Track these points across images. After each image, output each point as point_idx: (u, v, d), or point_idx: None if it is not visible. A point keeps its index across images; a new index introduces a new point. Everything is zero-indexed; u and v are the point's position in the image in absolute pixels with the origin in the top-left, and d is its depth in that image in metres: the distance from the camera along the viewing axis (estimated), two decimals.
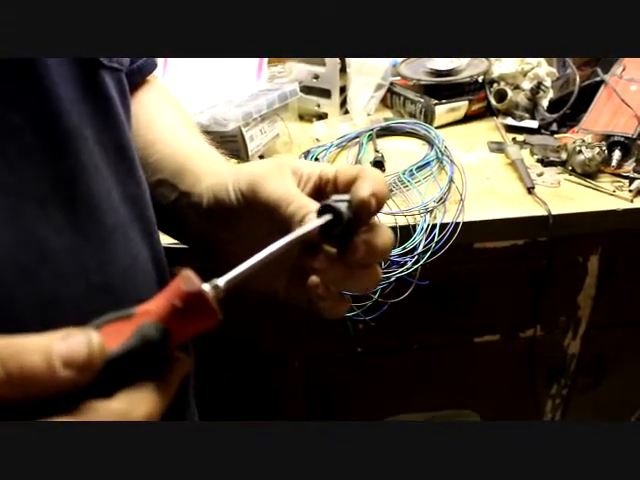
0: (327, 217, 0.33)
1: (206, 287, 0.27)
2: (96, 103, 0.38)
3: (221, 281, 0.28)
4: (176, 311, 0.27)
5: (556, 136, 0.98)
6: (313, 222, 0.33)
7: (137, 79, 0.53)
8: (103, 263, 0.37)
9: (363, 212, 0.33)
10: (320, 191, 0.39)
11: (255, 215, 0.39)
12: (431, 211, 0.74)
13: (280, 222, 0.36)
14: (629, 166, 0.86)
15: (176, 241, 0.50)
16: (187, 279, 0.27)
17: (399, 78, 1.09)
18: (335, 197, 0.35)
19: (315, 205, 0.35)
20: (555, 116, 0.99)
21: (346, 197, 0.34)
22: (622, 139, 0.87)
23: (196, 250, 0.48)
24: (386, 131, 0.98)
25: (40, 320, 0.32)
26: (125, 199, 0.40)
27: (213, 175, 0.43)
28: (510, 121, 1.02)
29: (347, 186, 0.36)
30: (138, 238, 0.41)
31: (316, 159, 0.87)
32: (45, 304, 0.32)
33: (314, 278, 0.37)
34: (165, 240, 0.48)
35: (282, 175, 0.38)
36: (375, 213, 0.34)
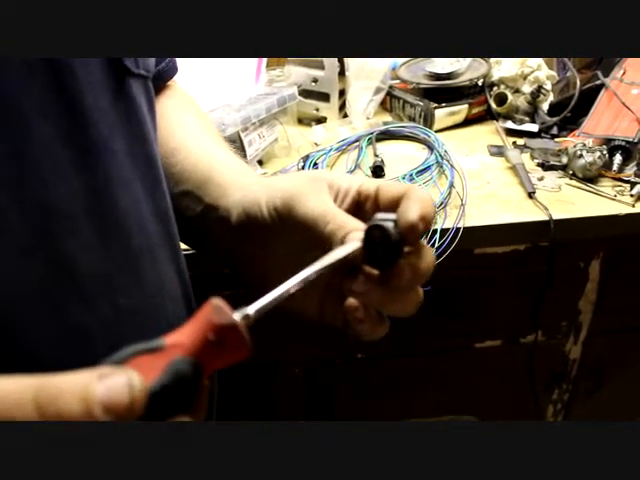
0: (360, 242, 0.32)
1: (237, 317, 0.26)
2: (126, 112, 0.37)
3: (251, 310, 0.27)
4: (209, 344, 0.26)
5: (556, 140, 0.97)
6: (351, 245, 0.31)
7: (158, 84, 0.51)
8: (131, 285, 0.36)
9: (411, 235, 0.31)
10: (359, 207, 0.36)
11: (289, 232, 0.37)
12: None
13: (317, 241, 0.34)
14: (630, 170, 0.85)
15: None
16: (219, 310, 0.26)
17: (398, 81, 1.09)
18: (380, 215, 0.32)
19: (355, 223, 0.33)
20: (555, 119, 0.99)
21: (392, 216, 0.32)
22: (623, 143, 0.86)
23: (222, 264, 0.46)
24: (385, 135, 0.98)
25: (65, 350, 0.31)
26: (154, 214, 0.39)
27: (241, 188, 0.41)
28: (510, 125, 1.01)
29: (391, 204, 0.34)
30: (165, 256, 0.40)
31: (315, 163, 0.87)
32: (70, 331, 0.32)
33: (352, 300, 0.35)
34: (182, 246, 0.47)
35: (319, 191, 0.35)
36: (422, 236, 0.32)
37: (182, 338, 0.26)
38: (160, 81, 0.52)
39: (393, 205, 0.34)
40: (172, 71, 0.53)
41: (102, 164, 0.34)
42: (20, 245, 0.30)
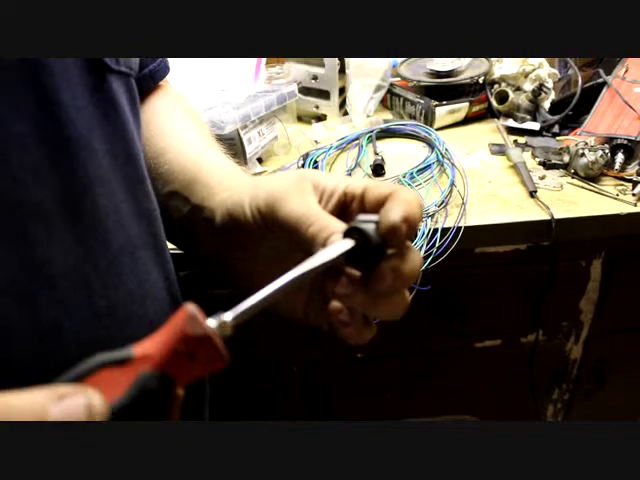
0: (350, 243, 0.30)
1: (213, 324, 0.24)
2: (105, 110, 0.36)
3: (228, 316, 0.25)
4: (180, 356, 0.24)
5: (558, 138, 0.96)
6: (336, 248, 0.30)
7: (149, 85, 0.51)
8: (109, 286, 0.35)
9: (392, 237, 0.30)
10: (344, 208, 0.35)
11: (273, 234, 0.36)
12: (432, 215, 0.73)
13: (300, 243, 0.33)
14: (632, 169, 0.84)
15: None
16: (192, 319, 0.24)
17: (399, 79, 1.08)
18: (362, 217, 0.31)
19: (338, 225, 0.32)
20: (557, 118, 0.98)
21: (374, 217, 0.31)
22: (625, 142, 0.85)
23: (208, 265, 0.46)
24: (386, 133, 0.97)
25: (38, 349, 0.30)
26: (136, 215, 0.38)
27: (227, 189, 0.40)
28: (511, 123, 1.01)
29: (376, 205, 0.33)
30: (148, 258, 0.40)
31: (315, 162, 0.86)
32: (44, 332, 0.31)
33: (336, 303, 0.34)
34: (170, 245, 0.46)
35: (302, 191, 0.34)
36: (406, 239, 0.31)
37: (152, 349, 0.25)
38: (151, 82, 0.51)
39: (379, 206, 0.33)
40: (164, 71, 0.53)
41: (80, 163, 0.33)
42: None
